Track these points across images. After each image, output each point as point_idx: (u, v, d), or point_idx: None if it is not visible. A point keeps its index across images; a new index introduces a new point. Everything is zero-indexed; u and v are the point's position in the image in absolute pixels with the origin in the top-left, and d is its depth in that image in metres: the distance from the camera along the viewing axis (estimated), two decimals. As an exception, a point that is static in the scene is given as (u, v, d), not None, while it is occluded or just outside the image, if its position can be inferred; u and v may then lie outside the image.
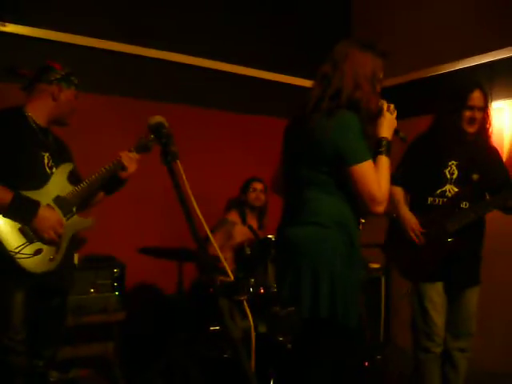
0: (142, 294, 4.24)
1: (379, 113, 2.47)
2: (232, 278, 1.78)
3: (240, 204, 4.58)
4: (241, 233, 4.40)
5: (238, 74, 5.23)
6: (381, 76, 2.47)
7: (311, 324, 2.34)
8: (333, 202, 2.37)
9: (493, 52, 4.38)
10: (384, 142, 2.43)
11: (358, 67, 2.40)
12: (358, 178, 2.29)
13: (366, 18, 5.80)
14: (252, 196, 4.54)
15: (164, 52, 4.77)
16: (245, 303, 3.07)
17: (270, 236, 4.03)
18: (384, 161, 2.40)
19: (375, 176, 2.31)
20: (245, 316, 3.13)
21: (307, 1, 5.72)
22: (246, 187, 4.60)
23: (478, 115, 3.16)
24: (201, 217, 1.84)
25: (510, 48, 4.28)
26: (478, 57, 4.50)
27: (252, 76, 5.33)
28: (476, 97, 3.16)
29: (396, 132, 2.52)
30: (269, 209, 4.55)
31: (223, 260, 1.82)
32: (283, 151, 2.61)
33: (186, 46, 4.90)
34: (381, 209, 2.31)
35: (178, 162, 1.84)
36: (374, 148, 2.43)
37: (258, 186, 4.58)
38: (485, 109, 3.21)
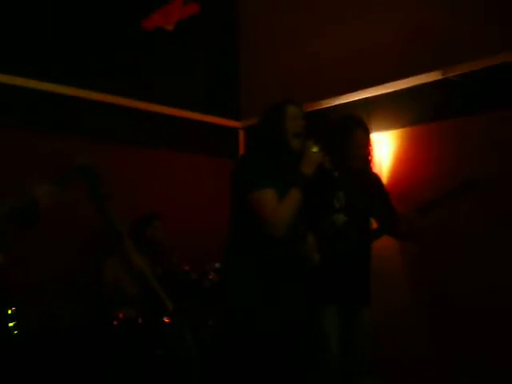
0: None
1: (302, 151, 2.86)
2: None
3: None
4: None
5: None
6: (289, 122, 2.90)
7: None
8: None
9: (369, 89, 4.78)
10: (298, 177, 2.79)
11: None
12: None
13: (254, 55, 6.09)
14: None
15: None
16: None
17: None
18: (292, 192, 2.75)
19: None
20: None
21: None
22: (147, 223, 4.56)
23: (363, 152, 3.43)
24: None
25: (384, 85, 4.69)
26: (355, 93, 4.88)
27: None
28: (361, 136, 3.43)
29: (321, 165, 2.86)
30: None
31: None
32: None
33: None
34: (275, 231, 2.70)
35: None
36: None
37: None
38: (369, 145, 3.47)
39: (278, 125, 2.90)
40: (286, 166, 2.90)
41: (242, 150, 6.04)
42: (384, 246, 3.79)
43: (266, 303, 2.77)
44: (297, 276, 2.96)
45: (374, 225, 3.60)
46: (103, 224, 1.85)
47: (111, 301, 4.12)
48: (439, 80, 4.36)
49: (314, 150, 2.84)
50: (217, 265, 4.29)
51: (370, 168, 3.58)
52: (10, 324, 3.82)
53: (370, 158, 3.52)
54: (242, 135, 6.09)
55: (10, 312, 3.82)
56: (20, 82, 4.41)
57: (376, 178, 3.63)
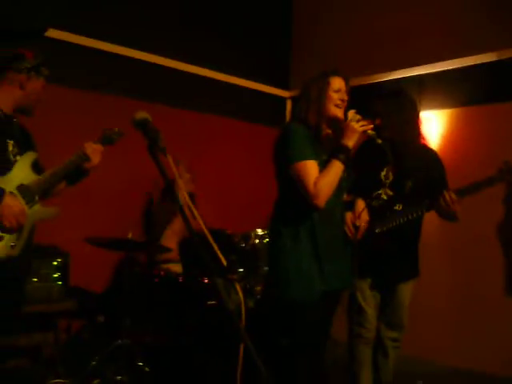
0: (87, 284, 4.24)
1: (342, 122, 2.85)
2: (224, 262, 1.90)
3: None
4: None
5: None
6: (331, 93, 2.90)
7: None
8: None
9: (421, 66, 4.75)
10: (339, 149, 2.81)
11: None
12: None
13: (307, 25, 6.06)
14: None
15: (139, 52, 4.94)
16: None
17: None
18: (333, 163, 2.78)
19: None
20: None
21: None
22: None
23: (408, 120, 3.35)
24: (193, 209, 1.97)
25: (436, 64, 4.65)
26: (408, 69, 4.85)
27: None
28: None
29: (365, 132, 2.86)
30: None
31: (215, 247, 1.93)
32: None
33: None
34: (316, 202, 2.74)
35: (169, 156, 1.96)
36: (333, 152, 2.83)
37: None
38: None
39: (321, 95, 2.91)
40: (327, 137, 2.94)
41: (289, 120, 6.06)
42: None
43: (310, 271, 2.83)
44: (343, 244, 3.01)
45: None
46: (161, 177, 1.90)
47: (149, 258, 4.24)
48: (493, 62, 4.31)
49: (355, 119, 2.86)
50: (259, 230, 4.37)
51: (424, 144, 3.53)
52: (55, 275, 3.98)
53: (419, 134, 3.48)
54: (289, 105, 6.11)
55: (55, 263, 3.98)
56: (80, 40, 4.54)
57: (433, 156, 3.57)
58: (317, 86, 2.95)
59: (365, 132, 2.87)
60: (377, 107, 3.40)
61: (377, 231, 3.30)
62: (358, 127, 2.83)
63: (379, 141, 3.02)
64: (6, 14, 4.04)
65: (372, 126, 2.91)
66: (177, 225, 4.41)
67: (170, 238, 4.37)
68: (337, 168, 2.78)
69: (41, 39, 3.90)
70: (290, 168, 2.80)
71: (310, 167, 2.76)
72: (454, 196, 3.08)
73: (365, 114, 2.92)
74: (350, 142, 2.83)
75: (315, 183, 2.73)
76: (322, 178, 2.75)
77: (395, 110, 3.38)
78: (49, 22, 4.17)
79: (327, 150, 2.89)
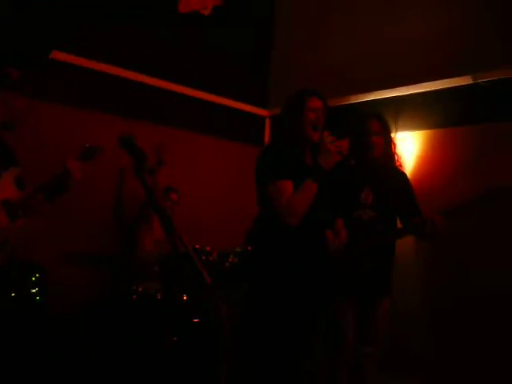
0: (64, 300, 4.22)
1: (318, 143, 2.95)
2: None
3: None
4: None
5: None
6: (307, 113, 2.98)
7: None
8: None
9: (399, 88, 4.85)
10: (314, 168, 2.91)
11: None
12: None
13: (286, 45, 6.16)
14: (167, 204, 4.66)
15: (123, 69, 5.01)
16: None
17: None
18: (306, 184, 2.85)
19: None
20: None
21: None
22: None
23: (378, 140, 3.46)
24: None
25: (413, 85, 4.75)
26: (385, 91, 4.95)
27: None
28: (373, 124, 3.49)
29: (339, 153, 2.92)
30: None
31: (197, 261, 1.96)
32: None
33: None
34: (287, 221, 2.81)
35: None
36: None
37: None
38: (384, 134, 3.51)
39: (298, 115, 2.97)
40: (304, 158, 3.00)
41: (267, 138, 6.13)
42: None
43: (285, 292, 2.87)
44: (317, 267, 3.05)
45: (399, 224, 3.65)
46: (146, 197, 1.95)
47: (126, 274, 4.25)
48: (469, 85, 4.42)
49: (330, 140, 2.92)
50: (238, 249, 4.41)
51: (397, 166, 3.63)
52: (33, 290, 3.95)
53: (395, 155, 3.59)
54: (268, 123, 6.18)
55: (33, 279, 3.95)
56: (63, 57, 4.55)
57: (403, 176, 3.67)
58: (293, 106, 3.03)
59: (339, 153, 2.93)
60: (373, 127, 3.47)
61: (358, 251, 3.35)
62: (332, 148, 2.89)
63: (353, 162, 3.10)
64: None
65: (346, 147, 2.97)
66: (157, 233, 4.46)
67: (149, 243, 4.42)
68: (309, 189, 2.85)
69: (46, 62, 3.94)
70: (266, 188, 2.87)
71: (283, 187, 2.82)
72: (443, 219, 3.17)
73: (340, 134, 2.98)
74: (325, 162, 2.89)
75: (287, 203, 2.79)
76: (294, 198, 2.81)
77: (385, 131, 3.49)
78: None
79: (309, 168, 2.95)
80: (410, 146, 4.71)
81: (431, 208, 3.33)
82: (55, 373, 3.72)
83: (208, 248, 4.35)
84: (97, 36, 4.79)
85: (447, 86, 4.55)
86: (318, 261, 3.04)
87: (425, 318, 4.49)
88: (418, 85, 4.71)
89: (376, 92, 5.02)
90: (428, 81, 4.66)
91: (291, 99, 3.09)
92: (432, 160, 4.61)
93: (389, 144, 3.54)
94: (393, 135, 3.62)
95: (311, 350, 3.11)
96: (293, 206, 2.80)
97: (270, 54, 6.32)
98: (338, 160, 2.97)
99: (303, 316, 2.96)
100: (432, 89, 4.65)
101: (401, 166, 3.66)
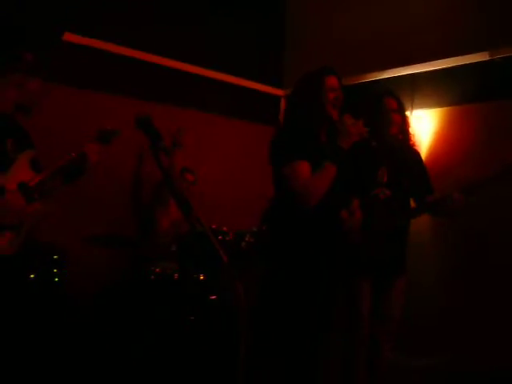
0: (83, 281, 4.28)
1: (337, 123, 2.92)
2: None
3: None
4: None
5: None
6: (327, 93, 2.95)
7: None
8: None
9: (415, 65, 4.80)
10: (333, 150, 2.88)
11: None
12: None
13: (300, 24, 6.10)
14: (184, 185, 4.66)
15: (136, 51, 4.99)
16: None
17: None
18: (326, 166, 2.82)
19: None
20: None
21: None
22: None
23: (395, 118, 3.46)
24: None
25: (429, 62, 4.70)
26: (401, 68, 4.90)
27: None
28: (390, 102, 3.48)
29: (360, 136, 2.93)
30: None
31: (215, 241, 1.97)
32: None
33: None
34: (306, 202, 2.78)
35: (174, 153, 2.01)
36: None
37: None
38: (401, 112, 3.51)
39: (317, 95, 2.94)
40: (322, 137, 2.98)
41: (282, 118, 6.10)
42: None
43: (302, 272, 2.87)
44: (333, 247, 3.04)
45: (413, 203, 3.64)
46: (163, 177, 1.97)
47: (144, 255, 4.29)
48: (485, 61, 4.36)
49: (350, 122, 2.90)
50: (254, 228, 4.42)
51: (411, 144, 3.62)
52: (52, 272, 4.00)
53: (409, 134, 3.58)
54: (283, 103, 6.16)
55: (52, 261, 4.00)
56: (77, 39, 4.57)
57: (416, 155, 3.67)
58: (312, 86, 2.99)
59: (359, 135, 2.92)
60: (390, 104, 3.45)
61: (374, 231, 3.36)
62: (353, 131, 2.88)
63: (374, 143, 3.09)
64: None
65: (367, 129, 2.96)
66: (173, 213, 4.49)
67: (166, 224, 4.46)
68: (329, 169, 2.82)
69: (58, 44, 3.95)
70: (282, 170, 2.84)
71: (300, 168, 2.80)
72: (461, 196, 3.16)
73: (356, 114, 2.96)
74: (346, 143, 2.88)
75: (305, 184, 2.77)
76: (312, 180, 2.79)
77: (401, 109, 3.48)
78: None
79: (326, 147, 2.93)
80: (426, 124, 4.67)
81: (448, 185, 3.32)
82: (74, 354, 3.78)
83: (225, 228, 4.38)
84: (112, 17, 4.80)
85: (464, 63, 4.49)
86: (334, 241, 3.04)
87: (441, 298, 4.48)
88: (434, 62, 4.64)
89: (392, 69, 4.96)
90: (444, 57, 4.60)
91: (308, 78, 3.05)
92: (448, 137, 4.57)
93: (405, 122, 3.54)
94: (408, 113, 3.61)
95: (327, 331, 3.12)
96: (312, 188, 2.78)
97: (284, 33, 6.27)
98: (356, 141, 2.97)
99: (320, 297, 2.96)
100: (448, 66, 4.59)
101: (414, 144, 3.65)
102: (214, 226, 4.29)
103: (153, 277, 4.06)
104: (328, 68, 3.04)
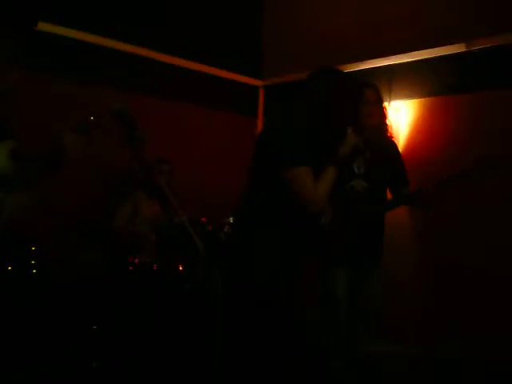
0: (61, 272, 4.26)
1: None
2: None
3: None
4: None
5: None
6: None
7: None
8: None
9: (392, 56, 4.83)
10: (335, 155, 2.87)
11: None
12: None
13: (278, 14, 6.12)
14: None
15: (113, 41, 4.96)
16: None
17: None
18: (329, 169, 2.81)
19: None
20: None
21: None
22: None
23: (374, 109, 3.48)
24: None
25: (406, 54, 4.74)
26: (378, 60, 4.93)
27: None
28: (370, 93, 3.49)
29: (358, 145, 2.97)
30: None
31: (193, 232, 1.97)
32: None
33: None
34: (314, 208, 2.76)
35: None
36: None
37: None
38: (379, 104, 3.53)
39: (354, 106, 3.16)
40: (326, 143, 2.96)
41: (261, 109, 6.11)
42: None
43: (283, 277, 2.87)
44: (310, 239, 3.05)
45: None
46: (136, 168, 1.98)
47: (122, 246, 4.27)
48: (462, 52, 4.40)
49: (350, 131, 2.94)
50: (231, 218, 4.41)
51: (388, 135, 3.65)
52: (29, 263, 3.97)
53: (387, 125, 3.61)
54: (262, 93, 6.16)
55: (29, 252, 3.97)
56: (59, 30, 4.54)
57: (393, 146, 3.69)
58: (350, 96, 3.08)
59: (358, 144, 2.95)
60: (370, 96, 3.47)
61: (353, 222, 3.38)
62: (354, 139, 2.91)
63: (367, 154, 3.14)
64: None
65: (363, 140, 2.98)
66: (147, 212, 4.48)
67: (143, 225, 4.44)
68: (332, 174, 2.81)
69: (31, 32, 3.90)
70: (285, 173, 2.71)
71: (307, 173, 2.70)
72: (435, 190, 3.21)
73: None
74: (347, 150, 2.91)
75: (315, 190, 2.71)
76: (320, 184, 2.74)
77: (380, 100, 3.52)
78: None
79: (324, 152, 2.93)
80: (403, 115, 4.72)
81: (425, 177, 3.35)
82: (53, 345, 3.77)
83: (204, 219, 4.38)
84: (87, 7, 4.75)
85: (441, 54, 4.54)
86: (310, 233, 3.04)
87: (416, 289, 4.54)
88: (411, 53, 4.69)
89: (369, 61, 5.00)
90: (421, 49, 4.64)
91: (347, 87, 3.00)
92: (426, 128, 4.62)
93: (383, 113, 3.57)
94: (386, 104, 3.64)
95: (303, 323, 3.11)
96: (320, 193, 2.73)
97: (262, 23, 6.26)
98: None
99: (295, 288, 2.96)
100: (426, 57, 4.63)
101: (392, 136, 3.69)
102: (192, 217, 4.27)
103: (131, 267, 4.06)
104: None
